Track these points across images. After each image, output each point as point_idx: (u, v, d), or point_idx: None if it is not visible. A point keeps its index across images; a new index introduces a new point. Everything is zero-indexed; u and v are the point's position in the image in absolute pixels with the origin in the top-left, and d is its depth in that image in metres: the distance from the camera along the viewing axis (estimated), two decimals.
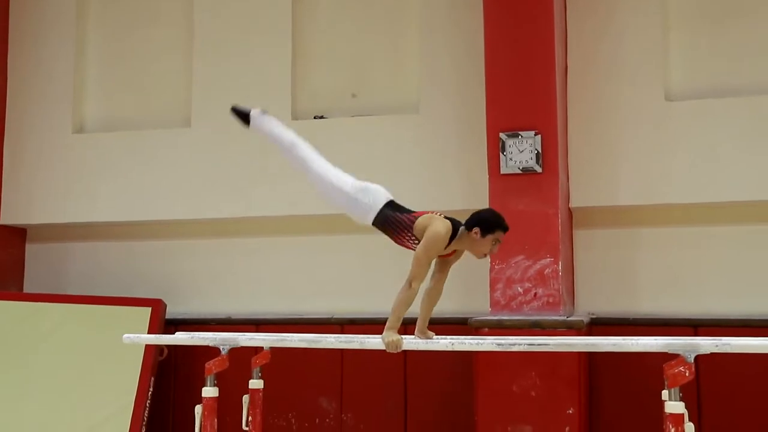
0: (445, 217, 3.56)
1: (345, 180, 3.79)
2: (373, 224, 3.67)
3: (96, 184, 6.29)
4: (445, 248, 3.53)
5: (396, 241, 3.65)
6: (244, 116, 4.10)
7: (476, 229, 3.49)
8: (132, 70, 6.50)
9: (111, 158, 6.31)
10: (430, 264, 3.52)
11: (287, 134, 3.99)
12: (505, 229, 3.53)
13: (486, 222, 3.51)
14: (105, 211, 6.27)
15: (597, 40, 5.42)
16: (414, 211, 3.63)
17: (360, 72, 6.03)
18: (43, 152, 6.44)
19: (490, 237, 3.50)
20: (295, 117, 6.01)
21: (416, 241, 3.53)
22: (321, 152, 5.74)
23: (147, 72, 6.46)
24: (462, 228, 3.54)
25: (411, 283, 3.45)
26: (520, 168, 4.99)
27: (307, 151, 3.93)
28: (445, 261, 3.65)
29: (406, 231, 3.57)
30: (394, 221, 3.61)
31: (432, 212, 3.60)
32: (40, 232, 6.55)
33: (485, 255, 3.56)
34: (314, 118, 6.00)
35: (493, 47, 5.13)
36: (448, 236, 3.49)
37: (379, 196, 3.69)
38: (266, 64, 6.08)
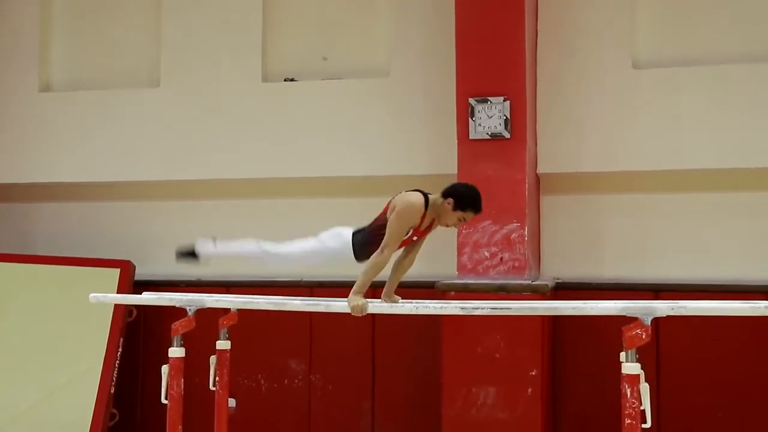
0: (415, 190, 3.60)
1: (308, 245, 3.80)
2: (358, 260, 3.67)
3: (63, 143, 6.22)
4: (421, 221, 3.56)
5: None
6: (191, 254, 4.02)
7: (450, 200, 3.54)
8: (100, 28, 6.40)
9: (78, 118, 6.23)
10: (404, 233, 3.55)
11: (247, 245, 3.95)
12: (477, 210, 3.58)
13: (462, 198, 3.55)
14: (73, 172, 6.21)
15: (567, 7, 5.43)
16: (377, 217, 3.66)
17: (331, 35, 6.00)
18: (9, 111, 6.34)
19: (459, 212, 3.55)
20: (265, 79, 5.99)
21: None
22: (292, 115, 5.84)
23: (115, 31, 6.37)
24: (436, 196, 3.58)
25: (384, 250, 3.50)
26: (489, 134, 5.02)
27: (274, 247, 3.90)
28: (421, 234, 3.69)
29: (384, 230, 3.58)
30: (370, 236, 3.62)
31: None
32: (6, 191, 6.48)
33: (447, 226, 3.63)
34: (285, 80, 5.98)
35: (463, 12, 5.12)
36: (422, 205, 3.53)
37: (341, 232, 3.71)
38: (237, 24, 6.02)
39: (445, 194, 3.56)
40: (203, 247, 3.98)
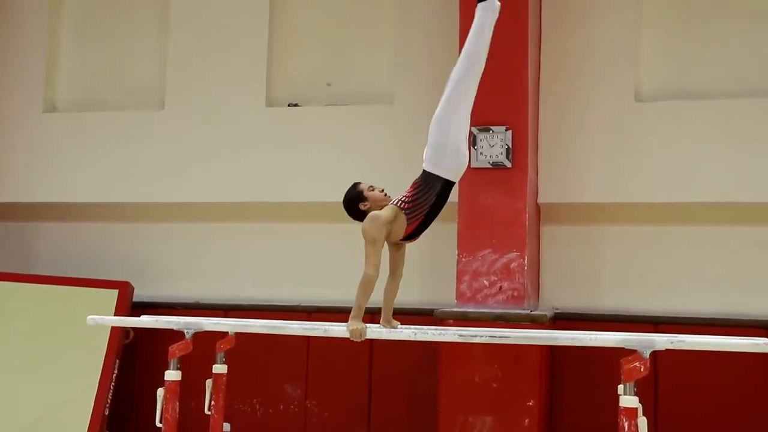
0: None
1: (460, 129, 3.75)
2: (424, 170, 3.70)
3: (67, 164, 6.25)
4: (390, 234, 3.63)
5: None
6: None
7: (360, 204, 3.70)
8: (106, 50, 6.45)
9: (82, 138, 6.26)
10: (378, 248, 3.58)
11: (485, 44, 3.81)
12: (359, 182, 3.77)
13: (353, 198, 3.73)
14: (75, 192, 6.23)
15: (570, 38, 5.47)
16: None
17: (336, 61, 6.04)
18: (13, 131, 6.38)
19: (367, 194, 3.71)
20: (269, 104, 6.02)
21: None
22: (295, 140, 5.87)
23: (121, 52, 6.42)
24: (365, 216, 3.66)
25: (366, 270, 3.54)
26: (490, 162, 5.04)
27: (474, 79, 3.88)
28: (395, 246, 3.76)
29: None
30: (416, 193, 3.66)
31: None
32: (8, 210, 6.49)
33: (386, 201, 3.70)
34: (288, 105, 6.01)
35: None
36: (387, 218, 3.58)
37: (451, 168, 3.69)
38: (242, 49, 6.07)
39: (355, 212, 3.71)
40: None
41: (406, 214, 3.62)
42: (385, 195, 3.75)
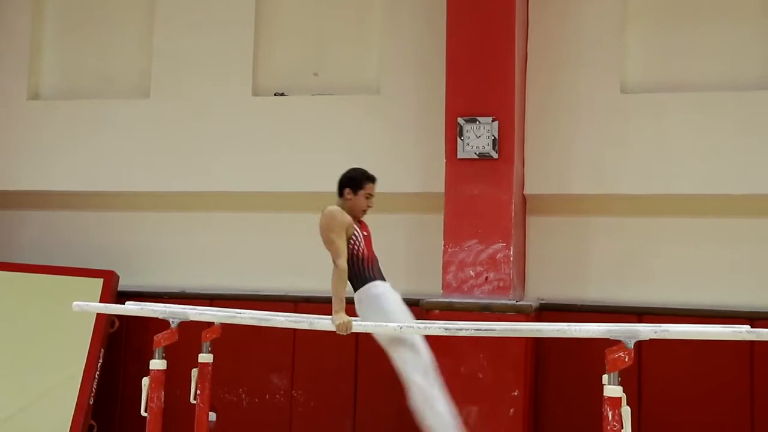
0: None
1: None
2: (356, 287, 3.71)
3: (51, 152, 6.20)
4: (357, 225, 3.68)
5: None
6: None
7: (347, 190, 3.70)
8: (91, 38, 6.39)
9: (67, 127, 6.21)
10: (344, 240, 3.62)
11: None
12: (371, 179, 3.75)
13: (352, 180, 3.72)
14: (60, 180, 6.18)
15: (557, 30, 5.48)
16: None
17: (322, 51, 6.02)
18: None
19: (361, 192, 3.71)
20: (255, 93, 6.00)
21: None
22: (282, 130, 5.85)
23: (106, 40, 6.36)
24: (338, 201, 3.69)
25: (335, 263, 3.59)
26: (477, 153, 5.04)
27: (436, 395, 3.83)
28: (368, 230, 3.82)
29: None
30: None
31: None
32: None
33: (364, 212, 3.73)
34: (275, 95, 5.99)
35: (455, 33, 5.16)
36: (341, 211, 3.65)
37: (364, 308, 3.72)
38: (228, 38, 6.03)
39: (340, 190, 3.73)
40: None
41: (350, 241, 3.65)
42: (365, 211, 3.74)
